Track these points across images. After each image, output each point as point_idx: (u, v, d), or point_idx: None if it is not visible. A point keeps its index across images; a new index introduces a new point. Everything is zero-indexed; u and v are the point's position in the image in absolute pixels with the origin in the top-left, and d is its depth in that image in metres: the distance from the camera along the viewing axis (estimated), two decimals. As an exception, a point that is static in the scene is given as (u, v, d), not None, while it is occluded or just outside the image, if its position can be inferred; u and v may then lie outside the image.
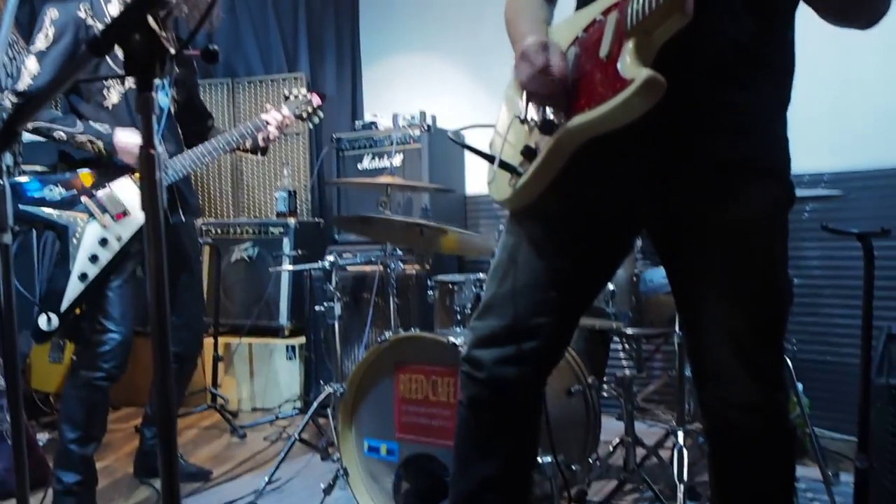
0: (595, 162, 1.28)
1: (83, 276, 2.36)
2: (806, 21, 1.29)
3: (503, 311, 1.36)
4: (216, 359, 4.11)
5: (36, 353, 3.90)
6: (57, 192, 2.37)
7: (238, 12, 5.11)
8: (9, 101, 2.31)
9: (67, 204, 2.38)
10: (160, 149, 2.54)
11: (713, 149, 1.24)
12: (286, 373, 4.27)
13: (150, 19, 0.81)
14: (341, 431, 2.49)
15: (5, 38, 1.51)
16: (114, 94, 2.41)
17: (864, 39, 1.28)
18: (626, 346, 3.34)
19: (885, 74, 3.31)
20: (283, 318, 4.28)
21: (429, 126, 4.29)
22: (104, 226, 2.39)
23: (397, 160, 4.31)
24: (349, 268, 3.74)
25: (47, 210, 2.34)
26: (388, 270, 2.96)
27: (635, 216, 1.35)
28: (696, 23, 1.13)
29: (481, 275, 2.80)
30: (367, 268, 3.75)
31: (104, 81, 2.36)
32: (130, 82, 2.44)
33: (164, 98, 2.56)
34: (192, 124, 2.80)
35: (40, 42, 2.32)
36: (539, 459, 2.15)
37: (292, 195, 4.66)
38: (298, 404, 4.22)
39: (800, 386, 2.70)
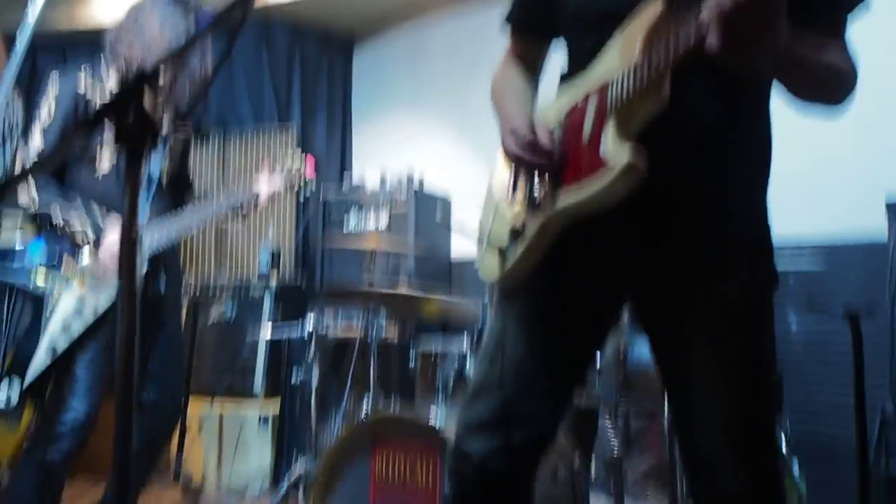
0: (579, 239, 1.31)
1: (52, 349, 2.32)
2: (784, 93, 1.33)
3: (491, 397, 1.36)
4: (182, 432, 3.93)
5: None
6: (36, 261, 2.38)
7: (233, 65, 5.20)
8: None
9: (46, 273, 2.36)
10: (146, 213, 2.58)
11: (692, 227, 1.27)
12: (257, 445, 4.11)
13: (146, 96, 0.84)
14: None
15: (6, 93, 1.54)
16: (105, 162, 2.43)
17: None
18: (615, 423, 3.31)
19: (862, 147, 3.41)
20: (258, 384, 4.19)
21: (416, 189, 4.35)
22: (81, 294, 2.38)
23: (384, 221, 4.34)
24: (330, 331, 3.71)
25: (24, 278, 2.32)
26: (370, 335, 2.96)
27: (621, 292, 1.38)
28: (674, 106, 1.18)
29: (464, 344, 2.79)
30: (349, 331, 3.73)
31: (96, 151, 2.38)
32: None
33: (155, 168, 2.59)
34: (176, 195, 2.80)
35: (44, 116, 2.37)
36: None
37: (275, 254, 4.66)
38: (268, 481, 4.04)
39: (795, 465, 2.67)
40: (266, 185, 2.79)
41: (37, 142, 2.36)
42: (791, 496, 2.52)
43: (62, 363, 2.32)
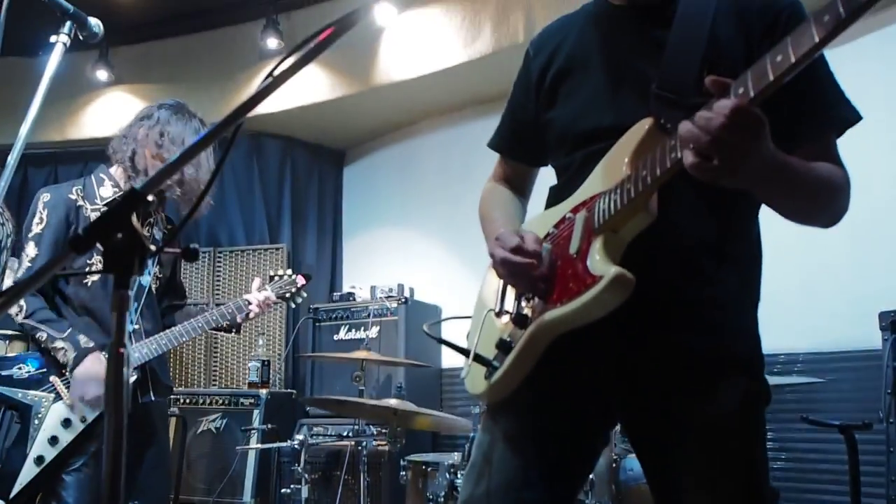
0: (568, 354, 1.28)
1: (39, 460, 2.26)
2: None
3: None
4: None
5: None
6: (25, 371, 2.32)
7: (225, 183, 5.28)
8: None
9: (34, 383, 2.32)
10: (134, 325, 2.55)
11: (682, 344, 1.25)
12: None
13: (134, 218, 0.83)
14: None
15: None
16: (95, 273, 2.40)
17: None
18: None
19: (853, 257, 3.44)
20: (248, 494, 4.04)
21: (406, 298, 4.34)
22: (70, 405, 2.32)
23: (374, 332, 4.33)
24: (321, 442, 3.62)
25: (12, 389, 2.29)
26: (360, 447, 2.88)
27: (610, 407, 1.34)
28: (662, 221, 1.18)
29: (455, 456, 2.72)
30: (340, 443, 3.64)
31: (85, 259, 2.37)
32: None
33: (146, 276, 2.58)
34: (166, 300, 2.80)
35: (35, 226, 2.38)
36: None
37: (266, 365, 4.59)
38: None
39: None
40: (258, 295, 2.79)
41: (30, 252, 2.36)
42: None
43: (50, 475, 2.26)
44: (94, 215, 2.47)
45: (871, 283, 3.39)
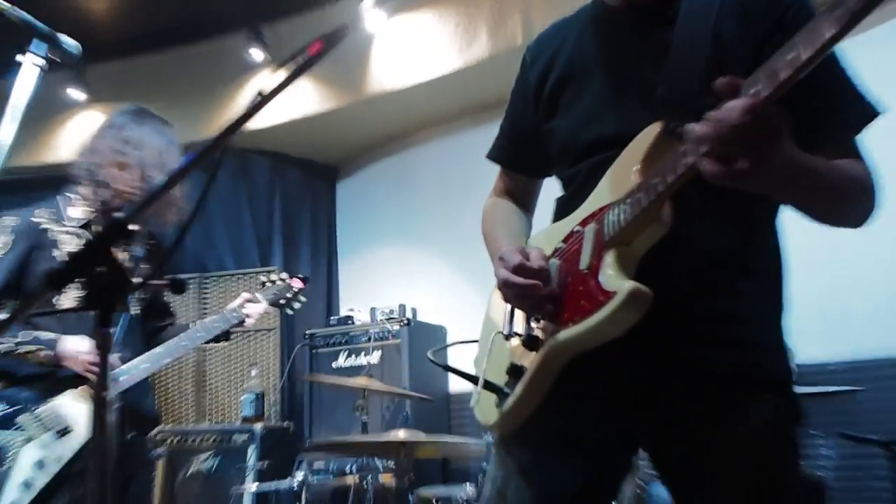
0: (584, 377, 1.28)
1: None
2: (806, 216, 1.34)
3: None
4: None
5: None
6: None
7: (210, 206, 5.28)
8: None
9: (1, 423, 2.29)
10: (115, 357, 2.53)
11: (703, 362, 1.25)
12: None
13: (115, 251, 0.83)
14: None
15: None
16: (66, 300, 2.38)
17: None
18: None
19: (886, 258, 3.43)
20: (244, 545, 4.03)
21: (408, 320, 4.34)
22: (43, 446, 2.30)
23: (375, 357, 4.32)
24: (322, 479, 3.60)
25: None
26: (365, 484, 2.87)
27: (632, 431, 1.33)
28: (677, 232, 1.18)
29: (468, 489, 2.70)
30: (343, 479, 3.61)
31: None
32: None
33: (129, 302, 2.56)
34: (151, 322, 2.75)
35: None
36: None
37: (260, 398, 4.56)
38: None
39: None
40: (252, 306, 2.72)
41: None
42: None
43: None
44: (63, 237, 2.45)
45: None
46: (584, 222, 1.31)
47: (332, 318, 4.69)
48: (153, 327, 2.75)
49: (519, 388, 1.30)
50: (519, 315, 1.37)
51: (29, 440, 2.29)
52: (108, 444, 0.80)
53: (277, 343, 4.90)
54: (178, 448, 4.24)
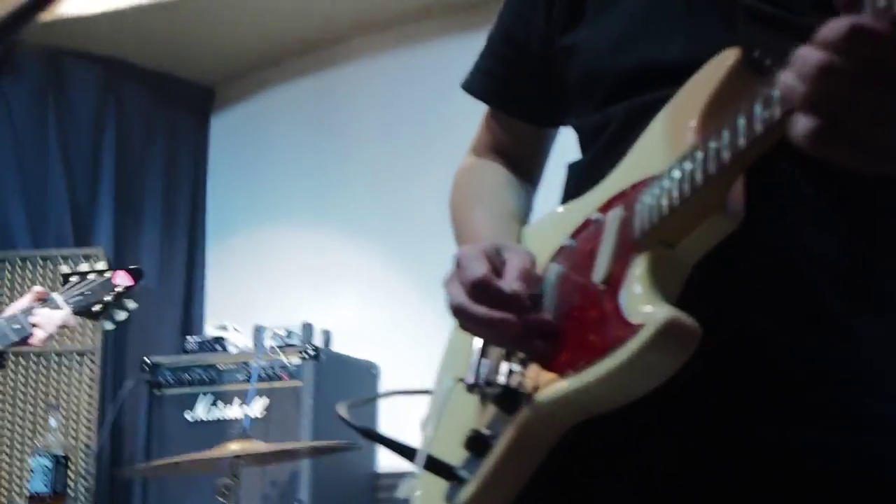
0: (593, 460, 1.30)
1: None
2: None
3: None
4: None
5: None
6: None
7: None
8: None
9: None
10: None
11: (788, 448, 1.25)
12: None
13: None
14: None
15: None
16: None
17: None
18: None
19: None
20: None
21: (316, 349, 4.36)
22: None
23: (258, 407, 4.33)
24: None
25: None
26: None
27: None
28: (754, 231, 1.19)
29: None
30: None
31: None
32: None
33: None
34: None
35: None
36: None
37: (61, 464, 4.51)
38: None
39: None
40: (44, 312, 2.74)
41: None
42: None
43: None
44: None
45: None
46: (606, 206, 1.31)
47: (189, 338, 4.69)
48: None
49: (483, 471, 1.31)
50: (494, 354, 1.38)
51: None
52: None
53: (96, 376, 4.86)
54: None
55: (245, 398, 4.28)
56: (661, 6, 1.38)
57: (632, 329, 1.14)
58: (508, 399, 1.30)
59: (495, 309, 1.27)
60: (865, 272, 1.30)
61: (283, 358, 4.34)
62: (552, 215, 1.48)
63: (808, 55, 0.96)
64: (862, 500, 1.26)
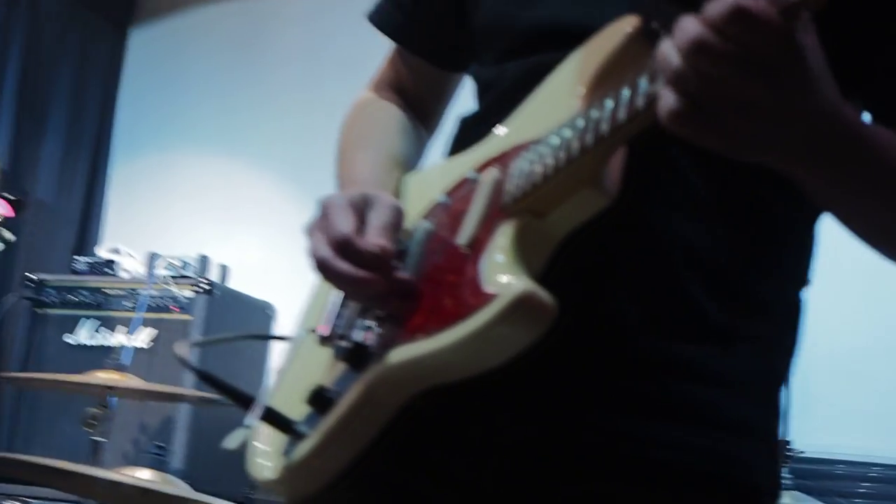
0: (434, 432, 1.30)
1: None
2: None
3: None
4: None
5: None
6: None
7: None
8: None
9: None
10: None
11: (642, 441, 1.26)
12: None
13: None
14: None
15: None
16: None
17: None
18: None
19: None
20: None
21: (211, 283, 4.35)
22: None
23: (144, 338, 4.33)
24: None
25: None
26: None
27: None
28: (630, 213, 1.18)
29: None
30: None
31: None
32: None
33: None
34: None
35: None
36: None
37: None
38: None
39: None
40: None
41: None
42: None
43: None
44: None
45: None
46: (484, 165, 1.30)
47: (79, 258, 4.64)
48: None
49: (322, 429, 1.30)
50: (352, 307, 1.38)
51: None
52: None
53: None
54: None
55: (131, 327, 4.28)
56: None
57: (485, 298, 1.12)
58: (358, 356, 1.29)
59: (357, 266, 1.25)
60: (744, 273, 1.30)
61: (174, 289, 4.32)
62: (434, 168, 1.48)
63: (687, 28, 0.95)
64: (712, 500, 1.27)
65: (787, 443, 3.25)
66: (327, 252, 1.26)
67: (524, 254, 1.17)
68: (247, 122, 5.13)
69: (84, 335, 4.40)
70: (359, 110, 1.67)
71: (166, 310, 4.34)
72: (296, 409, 1.35)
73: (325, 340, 1.36)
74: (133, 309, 4.30)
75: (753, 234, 1.31)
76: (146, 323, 4.29)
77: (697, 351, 1.28)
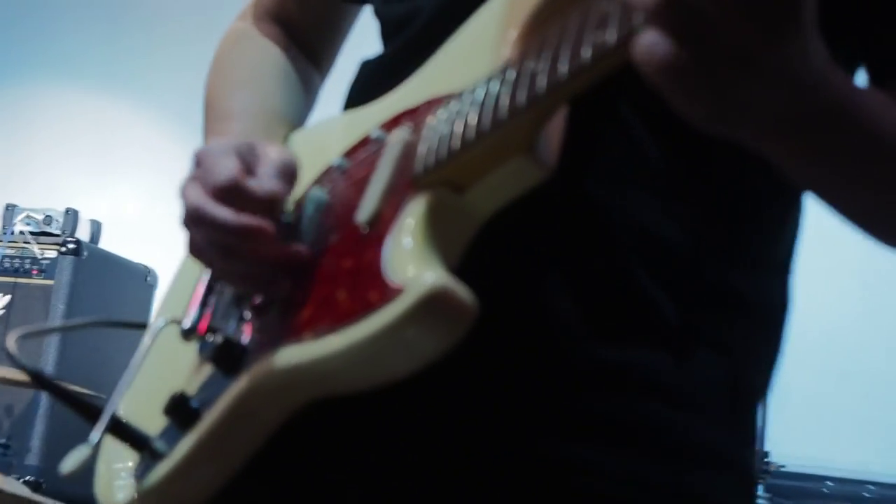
0: (325, 456, 1.27)
1: None
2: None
3: None
4: None
5: None
6: None
7: None
8: None
9: None
10: None
11: (581, 472, 1.23)
12: None
13: None
14: None
15: None
16: None
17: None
18: None
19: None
20: None
21: (77, 243, 4.31)
22: None
23: (-2, 304, 4.31)
24: None
25: None
26: None
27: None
28: (570, 193, 1.17)
29: None
30: None
31: None
32: None
33: None
34: None
35: None
36: None
37: None
38: None
39: None
40: None
41: None
42: None
43: None
44: None
45: None
46: (392, 122, 1.26)
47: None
48: None
49: (183, 447, 1.26)
50: (224, 294, 1.35)
51: None
52: None
53: None
54: None
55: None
56: None
57: (388, 293, 1.07)
58: (229, 356, 1.25)
59: (237, 214, 1.20)
60: (707, 261, 1.28)
61: (34, 248, 4.28)
62: (329, 123, 1.46)
63: None
64: None
65: (764, 455, 3.27)
66: (205, 200, 1.22)
67: (438, 237, 1.11)
68: (126, 55, 5.12)
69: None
70: (231, 44, 1.67)
71: (25, 272, 4.31)
72: (153, 421, 1.31)
73: (188, 334, 1.32)
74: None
75: (720, 213, 1.30)
76: (2, 291, 4.29)
77: (650, 357, 1.25)
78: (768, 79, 0.95)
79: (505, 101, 1.07)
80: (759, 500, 3.25)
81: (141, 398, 1.38)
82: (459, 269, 1.10)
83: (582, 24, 1.00)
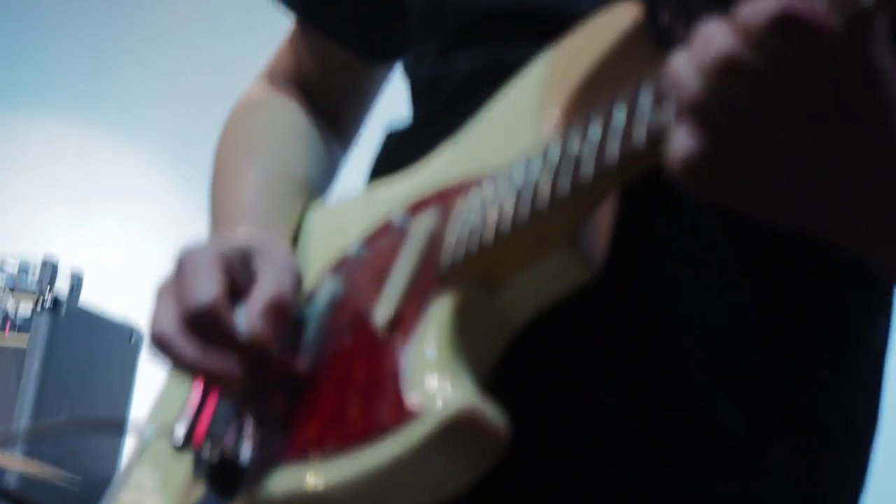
0: None
1: None
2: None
3: None
4: None
5: None
6: None
7: None
8: None
9: None
10: None
11: None
12: None
13: None
14: None
15: None
16: None
17: None
18: None
19: None
20: None
21: (56, 301, 4.30)
22: None
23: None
24: None
25: None
26: None
27: None
28: (621, 294, 1.15)
29: None
30: None
31: None
32: None
33: None
34: None
35: None
36: None
37: None
38: None
39: None
40: None
41: None
42: None
43: None
44: None
45: None
46: (417, 205, 1.25)
47: None
48: None
49: None
50: (223, 402, 1.34)
51: None
52: None
53: None
54: None
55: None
56: None
57: (406, 415, 1.05)
58: (225, 475, 1.23)
59: (215, 353, 1.19)
60: (784, 378, 1.27)
61: (6, 303, 4.29)
62: (349, 201, 1.44)
63: (712, 36, 0.88)
64: None
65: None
66: (170, 327, 1.20)
67: (467, 345, 1.10)
68: (114, 87, 5.20)
69: None
70: (246, 111, 1.66)
71: (-3, 328, 4.32)
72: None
73: (180, 446, 1.30)
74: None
75: (799, 320, 1.28)
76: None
77: (716, 484, 1.25)
78: (835, 172, 0.93)
79: (545, 189, 1.05)
80: None
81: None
82: (491, 381, 1.09)
83: (635, 96, 0.99)
